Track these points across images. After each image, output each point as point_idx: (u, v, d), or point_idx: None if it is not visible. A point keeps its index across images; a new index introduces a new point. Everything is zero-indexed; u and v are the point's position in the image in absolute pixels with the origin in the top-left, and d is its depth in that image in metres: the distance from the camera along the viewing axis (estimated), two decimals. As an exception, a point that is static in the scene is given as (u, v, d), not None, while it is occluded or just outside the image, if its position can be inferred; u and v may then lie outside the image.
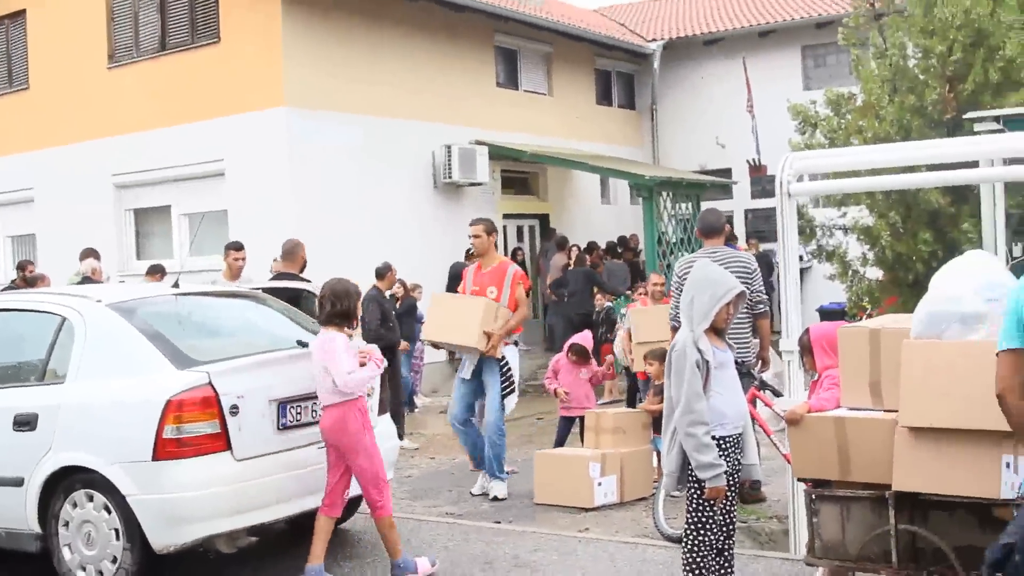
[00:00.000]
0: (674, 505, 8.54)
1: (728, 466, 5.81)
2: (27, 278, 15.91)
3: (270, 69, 17.08)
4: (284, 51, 17.00)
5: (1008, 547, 4.13)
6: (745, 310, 8.34)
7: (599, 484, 9.31)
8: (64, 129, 19.88)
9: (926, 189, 13.87)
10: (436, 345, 10.30)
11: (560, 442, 10.81)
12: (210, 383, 6.57)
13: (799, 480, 6.32)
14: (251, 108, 17.21)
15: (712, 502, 5.81)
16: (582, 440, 10.54)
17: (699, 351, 5.75)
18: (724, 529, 5.96)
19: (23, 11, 20.90)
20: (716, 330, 5.93)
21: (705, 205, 21.66)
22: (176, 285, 7.90)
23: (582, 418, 10.58)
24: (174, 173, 18.44)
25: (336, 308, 6.86)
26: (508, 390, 9.62)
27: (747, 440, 6.01)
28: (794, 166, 7.61)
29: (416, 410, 15.63)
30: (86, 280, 13.67)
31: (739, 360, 6.88)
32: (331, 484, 6.86)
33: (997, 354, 4.29)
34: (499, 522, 8.64)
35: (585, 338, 11.15)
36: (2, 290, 14.94)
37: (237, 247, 11.59)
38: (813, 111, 16.05)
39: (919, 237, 14.15)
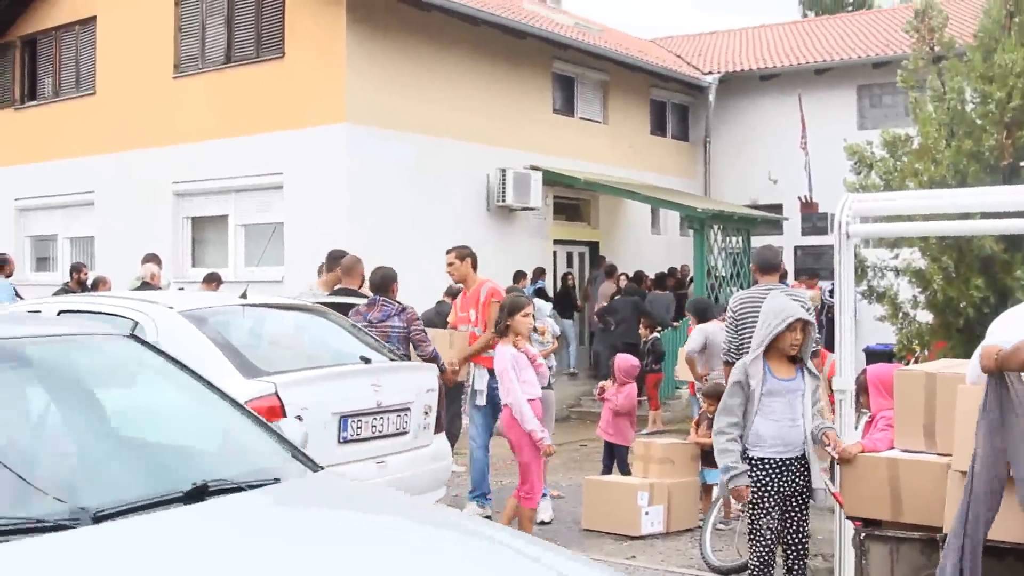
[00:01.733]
0: (720, 537, 8.64)
1: (780, 487, 5.99)
2: (81, 280, 16.22)
3: (333, 85, 17.33)
4: (347, 68, 17.25)
5: None
6: None
7: (646, 513, 9.42)
8: (127, 135, 20.23)
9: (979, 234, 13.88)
10: None
11: (607, 468, 10.91)
12: (276, 393, 6.72)
13: (848, 519, 6.42)
14: (312, 123, 17.47)
15: (760, 515, 6.11)
16: (622, 470, 10.65)
17: (745, 374, 6.00)
18: (794, 548, 6.14)
19: (93, 18, 21.30)
20: (789, 358, 6.12)
21: (755, 240, 21.77)
22: (244, 295, 8.08)
23: (622, 448, 10.72)
24: (233, 184, 18.73)
25: None
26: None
27: (808, 464, 6.20)
28: (853, 208, 7.69)
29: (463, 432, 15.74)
30: (145, 285, 13.92)
31: None
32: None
33: None
34: (545, 545, 8.73)
35: (628, 359, 11.25)
36: (55, 292, 15.19)
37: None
38: (869, 152, 16.08)
39: (971, 283, 14.10)
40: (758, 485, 6.04)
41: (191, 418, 4.63)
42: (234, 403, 4.53)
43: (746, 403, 6.10)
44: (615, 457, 10.93)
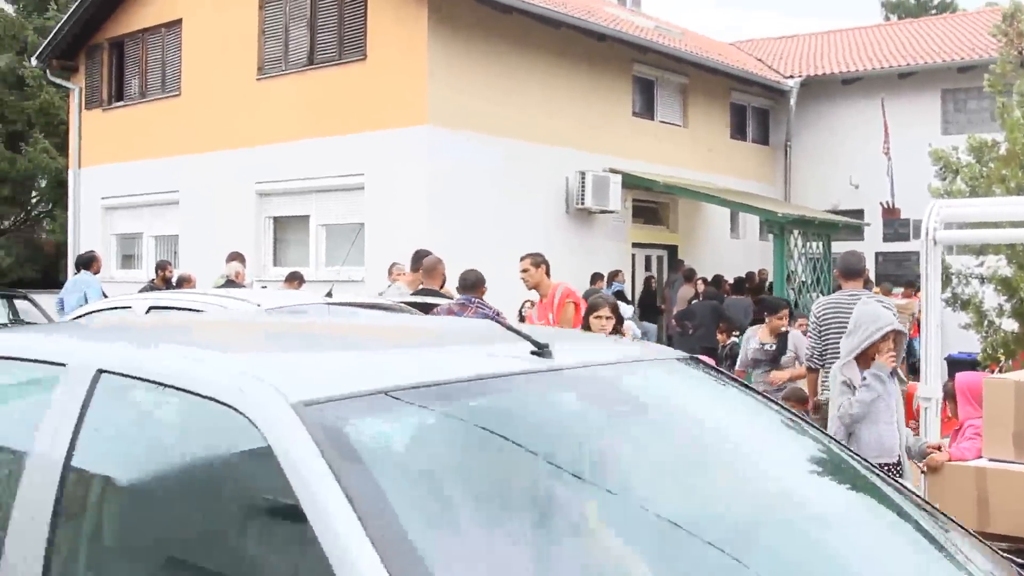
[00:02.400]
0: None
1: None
2: (166, 278, 16.50)
3: (414, 87, 17.46)
4: (429, 70, 17.37)
5: None
6: None
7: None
8: (212, 136, 20.55)
9: (1068, 242, 13.66)
10: None
11: None
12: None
13: (934, 527, 6.36)
14: (394, 125, 17.61)
15: None
16: None
17: (843, 375, 5.96)
18: None
19: (179, 21, 21.66)
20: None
21: (836, 245, 21.57)
22: (329, 294, 8.18)
23: None
24: (315, 184, 18.94)
25: None
26: None
27: (904, 471, 6.13)
28: (941, 213, 7.62)
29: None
30: (229, 283, 14.12)
31: None
32: None
33: None
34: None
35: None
36: (140, 289, 15.46)
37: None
38: (955, 157, 15.90)
39: (1059, 291, 13.93)
40: None
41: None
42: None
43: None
44: None
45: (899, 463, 6.12)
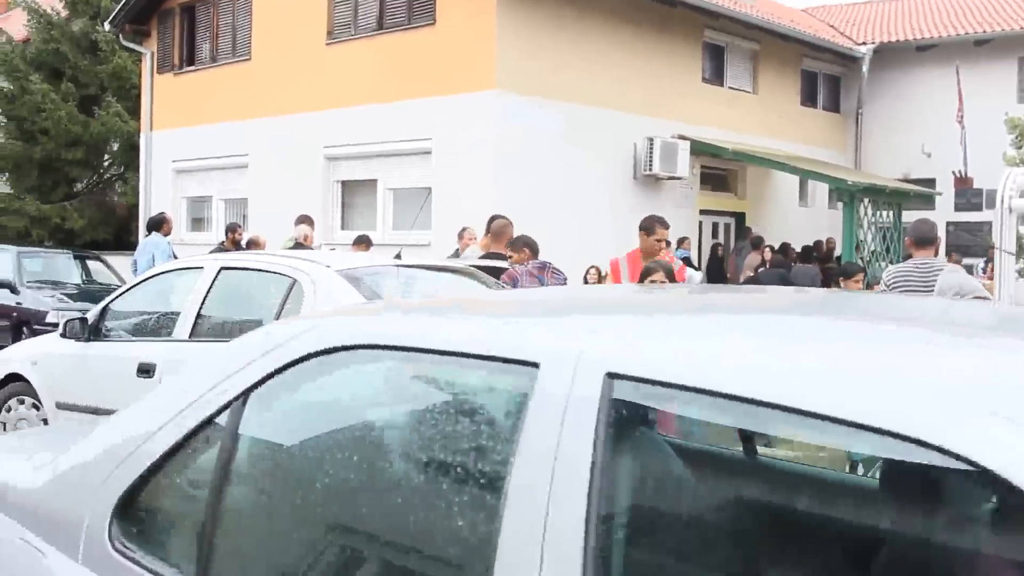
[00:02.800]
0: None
1: None
2: (236, 240, 16.66)
3: (483, 52, 17.46)
4: (497, 35, 17.36)
5: None
6: None
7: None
8: (281, 100, 20.68)
9: None
10: None
11: None
12: (428, 352, 6.82)
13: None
14: (462, 90, 17.63)
15: None
16: None
17: None
18: None
19: (250, -15, 21.83)
20: None
21: (907, 214, 21.31)
22: (399, 256, 8.24)
23: None
24: (382, 148, 19.02)
25: None
26: None
27: None
28: (1017, 181, 7.52)
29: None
30: (298, 245, 14.23)
31: None
32: None
33: None
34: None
35: None
36: (211, 251, 15.62)
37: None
38: (1030, 125, 15.66)
39: None
40: None
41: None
42: None
43: None
44: None
45: None
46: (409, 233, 17.77)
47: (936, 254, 9.54)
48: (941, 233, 23.08)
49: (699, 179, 21.60)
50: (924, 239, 9.05)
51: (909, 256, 9.52)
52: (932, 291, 6.65)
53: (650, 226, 9.59)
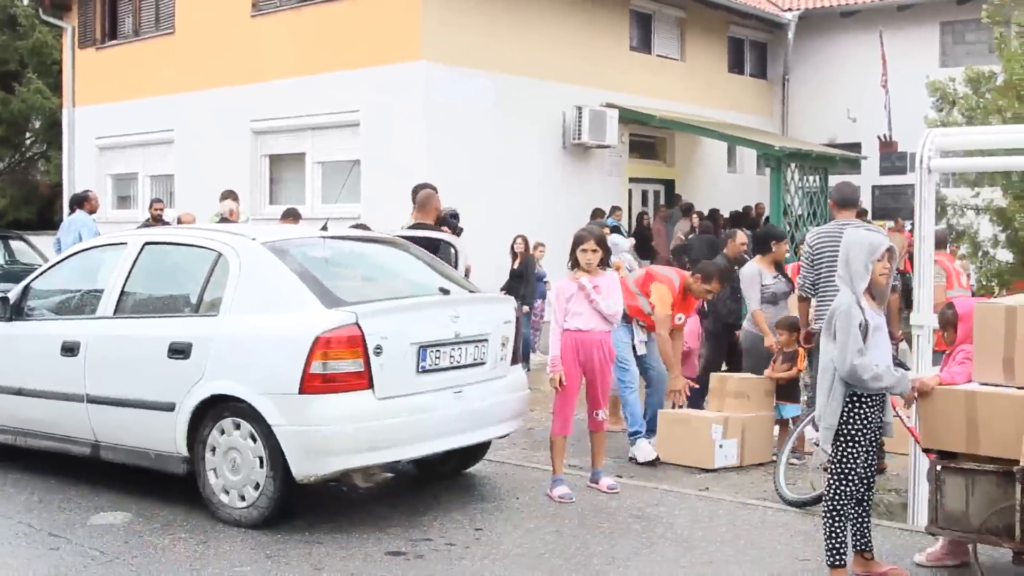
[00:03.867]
0: (794, 471, 8.67)
1: (872, 421, 5.96)
2: (157, 216, 16.50)
3: (409, 23, 17.36)
4: (423, 5, 17.27)
5: None
6: None
7: (720, 446, 9.48)
8: (206, 74, 20.44)
9: (1064, 172, 13.67)
10: None
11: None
12: (357, 323, 6.82)
13: (924, 451, 6.42)
14: (389, 61, 17.53)
15: (858, 454, 5.99)
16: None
17: (862, 310, 5.87)
18: (865, 481, 6.12)
19: (172, -42, 21.51)
20: (871, 292, 6.02)
21: (833, 179, 21.51)
22: (325, 228, 8.19)
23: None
24: (310, 122, 18.88)
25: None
26: None
27: (886, 399, 6.14)
28: (935, 142, 7.60)
29: (531, 368, 15.82)
30: (224, 221, 14.13)
31: None
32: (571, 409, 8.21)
33: None
34: (621, 476, 8.84)
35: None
36: (137, 227, 15.46)
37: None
38: (951, 88, 15.84)
39: (1053, 222, 13.95)
40: (866, 421, 5.97)
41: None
42: None
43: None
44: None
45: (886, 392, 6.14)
46: (336, 206, 17.65)
47: (858, 215, 9.71)
48: (867, 196, 23.45)
49: (628, 147, 21.67)
50: (846, 201, 9.30)
51: (832, 218, 9.72)
52: None
53: (711, 276, 10.15)
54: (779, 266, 10.90)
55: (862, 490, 6.15)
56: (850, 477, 6.03)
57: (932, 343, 7.50)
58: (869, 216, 22.42)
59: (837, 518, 6.03)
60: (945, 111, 15.84)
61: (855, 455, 6.00)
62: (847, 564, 6.10)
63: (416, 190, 10.68)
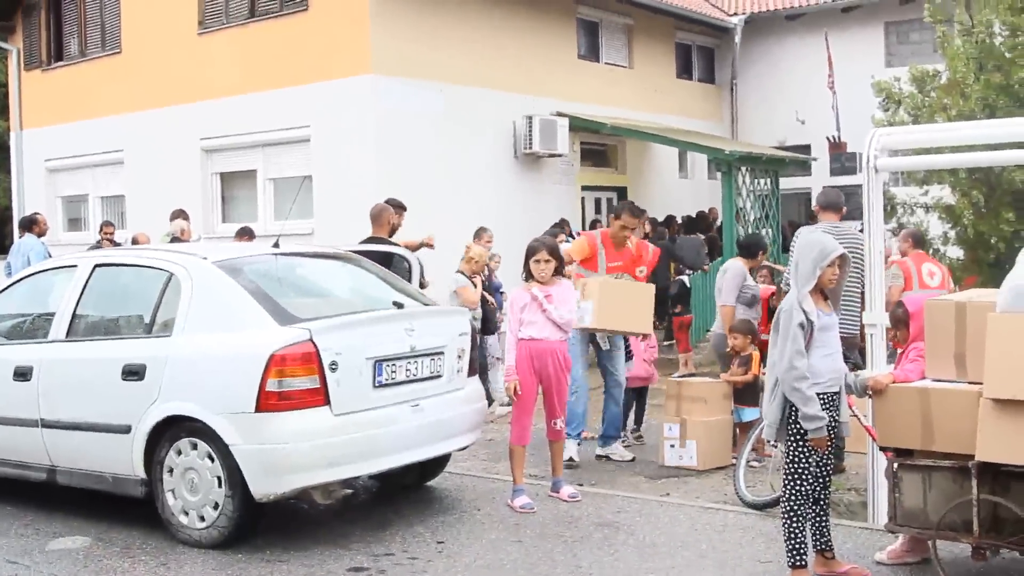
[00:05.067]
0: (754, 474, 8.72)
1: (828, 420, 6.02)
2: (109, 237, 16.37)
3: (357, 36, 17.31)
4: (371, 18, 17.22)
5: None
6: (858, 287, 8.55)
7: (671, 445, 9.59)
8: (154, 93, 20.29)
9: (1010, 168, 13.83)
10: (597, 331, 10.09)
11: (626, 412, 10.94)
12: (311, 339, 6.80)
13: (881, 449, 6.47)
14: (338, 75, 17.48)
15: (809, 452, 6.03)
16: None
17: (804, 312, 5.93)
18: (820, 479, 6.16)
19: (117, -24, 21.36)
20: (823, 293, 6.10)
21: (784, 181, 21.72)
22: (276, 245, 8.16)
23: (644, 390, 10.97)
24: (261, 138, 18.78)
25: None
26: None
27: (841, 398, 6.18)
28: (881, 141, 7.67)
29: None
30: (175, 240, 14.07)
31: (845, 335, 7.39)
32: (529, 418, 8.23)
33: None
34: (582, 484, 8.85)
35: None
36: (88, 249, 15.33)
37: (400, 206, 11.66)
38: (897, 88, 16.01)
39: (1001, 216, 14.12)
40: None
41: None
42: None
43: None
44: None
45: (839, 391, 6.19)
46: (286, 223, 17.58)
47: (841, 218, 9.90)
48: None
49: (579, 155, 21.70)
50: (830, 204, 9.73)
51: (815, 220, 10.05)
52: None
53: (618, 213, 10.35)
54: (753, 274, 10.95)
55: (818, 489, 6.19)
56: (803, 476, 6.07)
57: (885, 342, 7.57)
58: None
59: (795, 518, 6.07)
60: (891, 111, 16.01)
61: (805, 454, 6.05)
62: (808, 564, 6.13)
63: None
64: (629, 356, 10.26)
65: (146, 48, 20.61)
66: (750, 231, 19.28)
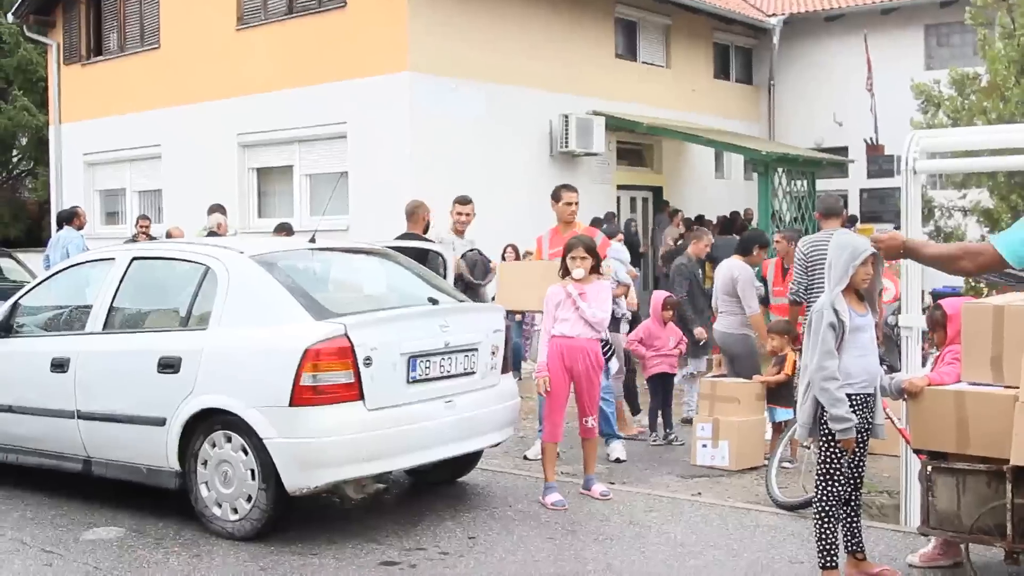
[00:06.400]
0: (786, 475, 8.69)
1: (860, 423, 6.01)
2: (146, 231, 16.47)
3: (395, 34, 17.37)
4: (409, 16, 17.28)
5: None
6: None
7: (704, 445, 9.58)
8: (192, 88, 20.43)
9: (1050, 172, 13.72)
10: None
11: (654, 405, 11.00)
12: (346, 334, 6.82)
13: (915, 452, 6.44)
14: (375, 72, 17.53)
15: (841, 453, 6.03)
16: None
17: (835, 312, 5.93)
18: (852, 481, 6.15)
19: (156, -28, 21.51)
20: (857, 293, 6.09)
21: (820, 183, 21.62)
22: (313, 240, 8.19)
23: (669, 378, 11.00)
24: (297, 134, 18.88)
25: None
26: (608, 353, 9.58)
27: (876, 400, 6.16)
28: (920, 144, 7.63)
29: (521, 377, 15.81)
30: (212, 235, 14.13)
31: None
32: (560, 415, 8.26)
33: None
34: (613, 483, 8.84)
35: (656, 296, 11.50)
36: (124, 243, 15.44)
37: (463, 201, 11.39)
38: (936, 91, 15.91)
39: (1040, 220, 13.98)
40: None
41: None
42: None
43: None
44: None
45: (874, 392, 6.17)
46: (323, 219, 17.65)
47: (848, 224, 9.94)
48: (855, 200, 23.55)
49: (615, 154, 21.69)
50: (830, 211, 9.84)
51: (819, 228, 10.03)
52: None
53: (556, 194, 10.09)
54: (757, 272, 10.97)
55: (849, 490, 6.17)
56: (835, 477, 6.06)
57: (920, 344, 7.53)
58: (857, 223, 22.58)
59: (826, 519, 6.06)
60: (930, 113, 15.91)
61: (837, 455, 6.03)
62: (839, 565, 6.11)
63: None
64: (611, 354, 10.00)
65: (184, 43, 20.75)
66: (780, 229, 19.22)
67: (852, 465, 6.14)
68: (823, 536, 6.07)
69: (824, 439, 6.06)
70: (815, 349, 5.98)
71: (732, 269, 10.77)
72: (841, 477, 6.06)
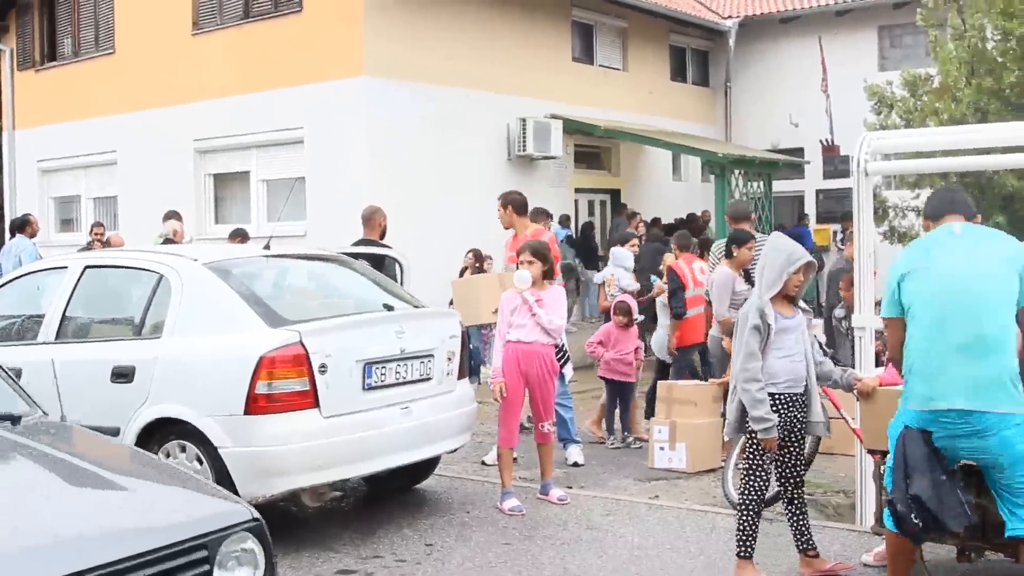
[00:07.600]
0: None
1: (785, 421, 6.18)
2: (99, 239, 16.35)
3: (351, 38, 17.31)
4: (365, 21, 17.22)
5: None
6: None
7: (661, 448, 9.62)
8: (148, 94, 20.27)
9: (1001, 172, 13.87)
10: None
11: (611, 408, 11.04)
12: (301, 342, 6.81)
13: (869, 452, 6.50)
14: (331, 77, 17.47)
15: (763, 452, 6.23)
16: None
17: (761, 316, 6.04)
18: (791, 480, 6.29)
19: (110, -24, 21.35)
20: (787, 297, 6.20)
21: (777, 184, 21.78)
22: (268, 247, 8.16)
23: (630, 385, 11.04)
24: (254, 139, 18.79)
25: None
26: (563, 359, 9.41)
27: (811, 399, 6.24)
28: (872, 145, 7.70)
29: (481, 382, 15.77)
30: (168, 242, 14.05)
31: None
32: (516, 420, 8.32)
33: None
34: (571, 487, 8.87)
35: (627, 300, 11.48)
36: (79, 251, 15.32)
37: None
38: (889, 92, 16.05)
39: (992, 220, 14.14)
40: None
41: None
42: None
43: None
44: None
45: (805, 392, 6.26)
46: (279, 225, 17.59)
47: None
48: (811, 201, 23.76)
49: (573, 157, 21.71)
50: (739, 215, 10.64)
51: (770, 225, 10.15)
52: None
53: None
54: (747, 272, 10.82)
55: (790, 489, 6.31)
56: (758, 474, 6.24)
57: (873, 344, 7.60)
58: (813, 221, 22.83)
59: (746, 512, 6.24)
60: (883, 114, 16.06)
61: (759, 453, 6.21)
62: (752, 555, 6.29)
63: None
64: (565, 359, 9.92)
65: (140, 48, 20.60)
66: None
67: (786, 464, 6.30)
68: (741, 527, 6.28)
69: (747, 438, 6.21)
70: (738, 351, 6.11)
71: (714, 274, 10.75)
72: (764, 474, 6.25)
